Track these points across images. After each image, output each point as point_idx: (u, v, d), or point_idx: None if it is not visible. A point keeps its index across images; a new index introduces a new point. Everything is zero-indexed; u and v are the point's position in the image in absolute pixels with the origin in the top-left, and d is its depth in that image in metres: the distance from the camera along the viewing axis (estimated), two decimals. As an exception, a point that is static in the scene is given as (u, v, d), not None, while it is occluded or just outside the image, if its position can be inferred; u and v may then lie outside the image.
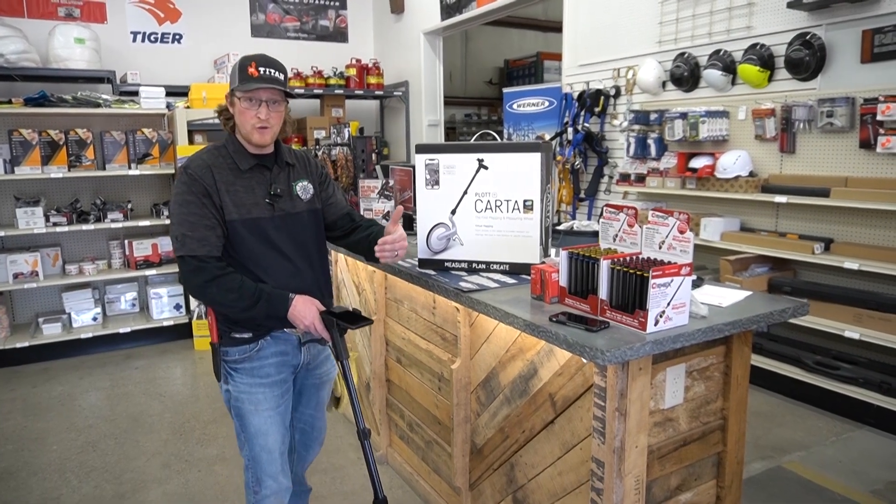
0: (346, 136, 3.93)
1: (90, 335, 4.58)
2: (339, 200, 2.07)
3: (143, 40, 6.28)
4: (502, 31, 9.12)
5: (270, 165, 1.87)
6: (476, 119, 9.41)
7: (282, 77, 1.80)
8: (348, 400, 2.11)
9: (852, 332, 3.15)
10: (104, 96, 4.64)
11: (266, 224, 1.81)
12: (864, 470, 2.78)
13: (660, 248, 1.65)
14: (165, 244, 4.84)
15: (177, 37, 6.46)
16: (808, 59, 3.41)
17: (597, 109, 4.71)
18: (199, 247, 1.71)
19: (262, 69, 1.75)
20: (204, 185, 1.74)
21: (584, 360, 1.65)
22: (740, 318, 1.64)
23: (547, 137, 5.05)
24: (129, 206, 4.77)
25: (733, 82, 3.87)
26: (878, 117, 3.08)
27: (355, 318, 1.81)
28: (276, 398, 1.87)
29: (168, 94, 4.93)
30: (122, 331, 4.67)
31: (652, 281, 1.48)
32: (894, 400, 2.99)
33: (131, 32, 6.22)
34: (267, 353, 1.85)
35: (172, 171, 4.73)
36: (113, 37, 5.99)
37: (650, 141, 4.31)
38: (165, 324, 4.80)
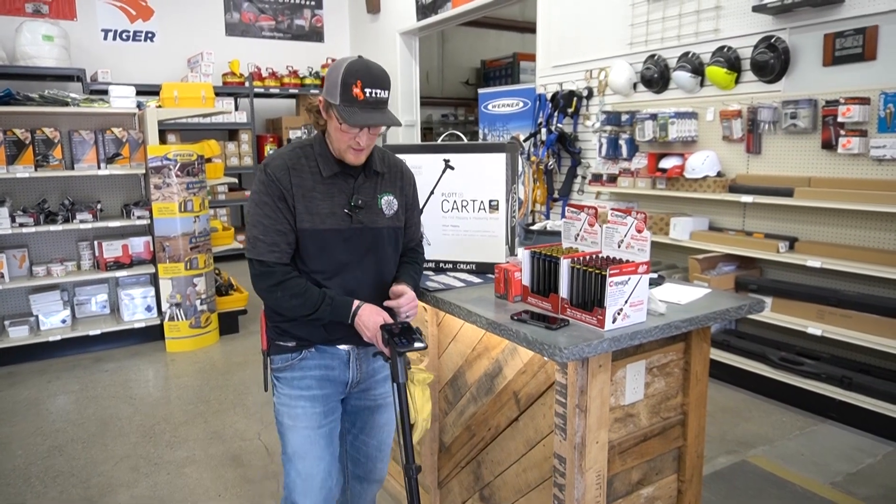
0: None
1: (59, 338, 4.49)
2: (413, 234, 1.90)
3: (114, 38, 6.19)
4: (479, 31, 9.16)
5: (356, 174, 1.72)
6: (453, 119, 9.43)
7: (387, 95, 1.62)
8: (415, 428, 1.86)
9: (815, 329, 3.23)
10: (72, 95, 4.56)
11: (337, 237, 1.70)
12: (825, 462, 2.85)
13: (619, 246, 1.68)
14: (136, 245, 4.77)
15: (149, 35, 6.38)
16: (772, 61, 3.48)
17: (570, 110, 4.76)
18: (269, 252, 1.66)
19: (368, 91, 1.56)
20: (280, 188, 1.65)
21: (545, 358, 1.67)
22: (697, 315, 1.67)
23: (521, 138, 5.08)
24: (99, 206, 4.69)
25: (702, 84, 3.94)
26: (839, 119, 3.17)
27: (406, 342, 1.62)
28: (317, 416, 1.75)
29: (139, 92, 4.87)
30: (91, 333, 4.59)
31: (609, 279, 1.51)
32: (854, 394, 3.07)
33: (102, 30, 6.13)
34: (310, 365, 1.76)
35: (143, 171, 4.67)
36: (83, 34, 5.90)
37: (622, 141, 4.37)
38: (137, 326, 4.73)
